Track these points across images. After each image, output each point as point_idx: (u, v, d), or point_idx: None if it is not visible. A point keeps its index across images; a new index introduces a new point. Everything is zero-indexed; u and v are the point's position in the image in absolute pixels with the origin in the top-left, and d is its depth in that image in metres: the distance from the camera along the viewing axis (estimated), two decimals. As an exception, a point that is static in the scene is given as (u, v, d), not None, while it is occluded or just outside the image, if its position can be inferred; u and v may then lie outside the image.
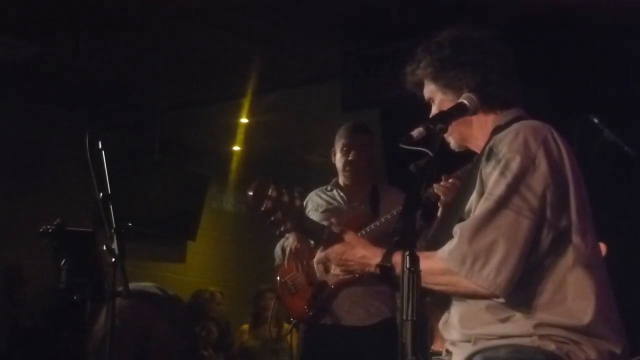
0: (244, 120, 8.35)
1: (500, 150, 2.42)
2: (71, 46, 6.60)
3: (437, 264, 2.40)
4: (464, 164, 3.76)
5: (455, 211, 2.56)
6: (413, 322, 2.04)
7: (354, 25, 6.14)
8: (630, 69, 5.06)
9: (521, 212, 2.35)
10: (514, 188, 2.36)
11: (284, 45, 6.49)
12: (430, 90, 2.69)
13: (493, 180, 2.40)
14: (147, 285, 4.26)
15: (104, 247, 3.25)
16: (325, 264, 4.40)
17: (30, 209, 7.18)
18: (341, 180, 4.77)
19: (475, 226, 2.37)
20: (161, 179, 8.46)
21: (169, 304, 4.16)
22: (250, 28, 6.20)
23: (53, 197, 7.52)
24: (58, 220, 3.78)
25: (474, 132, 2.64)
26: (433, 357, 3.12)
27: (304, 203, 4.31)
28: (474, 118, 2.60)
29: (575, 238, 2.41)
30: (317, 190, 4.83)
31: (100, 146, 3.31)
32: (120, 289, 3.34)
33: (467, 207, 2.48)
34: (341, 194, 4.75)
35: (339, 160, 4.73)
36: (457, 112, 2.49)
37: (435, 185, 3.42)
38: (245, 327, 8.03)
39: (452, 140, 2.70)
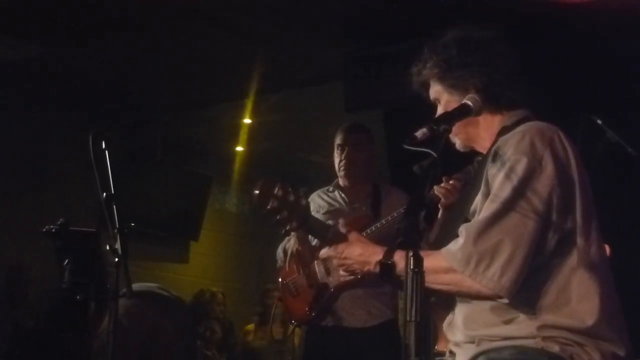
0: (246, 120, 8.35)
1: (506, 151, 2.42)
2: (73, 46, 6.60)
3: (441, 263, 2.39)
4: (464, 165, 3.77)
5: (460, 212, 2.56)
6: (417, 324, 2.03)
7: (356, 25, 6.13)
8: (634, 69, 5.06)
9: (527, 214, 2.34)
10: (520, 190, 2.36)
11: (287, 46, 6.48)
12: (436, 90, 2.69)
13: (499, 182, 2.40)
14: (151, 285, 4.27)
15: (107, 247, 3.25)
16: (326, 265, 4.42)
17: (32, 209, 7.18)
18: (340, 181, 4.77)
19: (480, 227, 2.37)
20: (164, 179, 8.46)
21: (173, 304, 4.16)
22: (252, 28, 6.20)
23: (55, 197, 7.52)
24: (61, 220, 3.78)
25: (481, 132, 2.64)
26: (437, 358, 3.12)
27: (307, 204, 4.31)
28: (481, 118, 2.60)
29: (580, 240, 2.41)
30: (319, 192, 4.83)
31: (103, 146, 3.31)
32: (123, 289, 3.35)
33: (472, 208, 2.48)
34: (342, 195, 4.74)
35: (335, 159, 4.74)
36: (461, 113, 2.50)
37: (435, 187, 3.43)
38: (251, 327, 8.03)
39: (458, 140, 2.69)
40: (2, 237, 7.21)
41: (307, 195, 2.88)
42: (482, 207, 2.41)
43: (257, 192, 2.79)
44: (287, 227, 2.83)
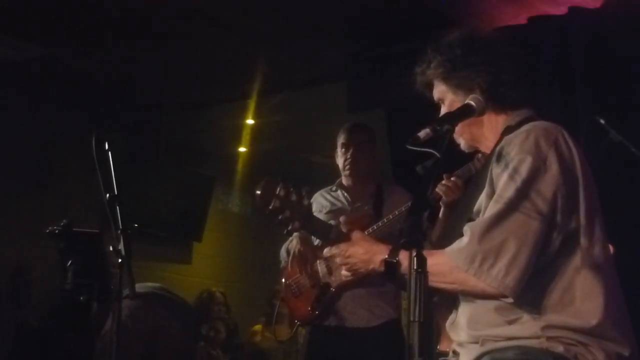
0: (249, 121, 8.35)
1: (510, 151, 2.42)
2: (76, 47, 6.60)
3: (446, 262, 2.40)
4: (465, 163, 3.78)
5: (464, 211, 2.56)
6: (420, 324, 2.03)
7: (359, 26, 6.13)
8: (637, 69, 5.05)
9: (531, 214, 2.34)
10: (524, 190, 2.36)
11: (289, 46, 6.48)
12: (440, 90, 2.69)
13: (503, 182, 2.40)
14: (154, 286, 4.27)
15: (110, 248, 3.25)
16: (328, 264, 4.41)
17: (35, 210, 7.19)
18: (344, 180, 4.77)
19: (485, 226, 2.37)
20: (166, 180, 8.46)
21: (176, 305, 4.17)
22: (255, 29, 6.19)
23: (57, 198, 7.52)
24: (65, 221, 3.78)
25: (485, 132, 2.64)
26: (440, 358, 3.12)
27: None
28: (485, 118, 2.60)
29: (584, 240, 2.41)
30: (322, 191, 4.84)
31: (107, 147, 3.31)
32: (126, 290, 3.35)
33: (476, 208, 2.48)
34: (345, 194, 4.74)
35: (339, 160, 4.75)
36: (464, 113, 2.50)
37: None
38: (258, 327, 8.02)
39: (462, 141, 2.70)
40: (5, 238, 7.22)
41: (309, 195, 2.88)
42: (487, 207, 2.41)
43: (259, 192, 2.80)
44: (290, 227, 2.83)
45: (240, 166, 9.53)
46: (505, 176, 2.40)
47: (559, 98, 5.22)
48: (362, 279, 4.20)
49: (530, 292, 2.37)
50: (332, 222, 3.26)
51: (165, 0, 5.78)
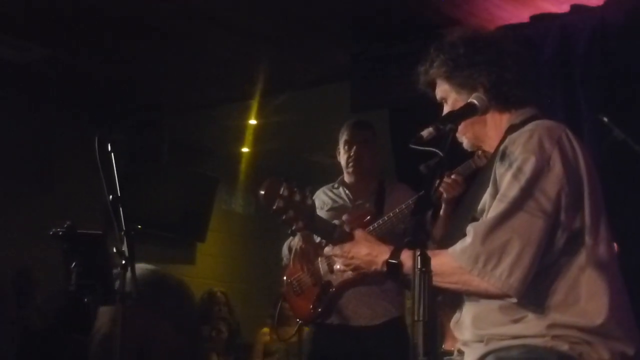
0: (252, 121, 8.36)
1: (514, 150, 2.42)
2: (79, 48, 6.60)
3: (449, 262, 2.39)
4: (465, 160, 3.78)
5: (468, 210, 2.56)
6: (425, 323, 2.03)
7: (362, 26, 6.13)
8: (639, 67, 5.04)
9: (535, 214, 2.34)
10: (528, 190, 2.36)
11: (292, 47, 6.48)
12: (443, 89, 2.68)
13: (507, 181, 2.40)
14: (145, 272, 4.22)
15: (114, 250, 3.25)
16: (330, 262, 4.40)
17: (38, 211, 7.19)
18: (346, 177, 4.76)
19: (489, 226, 2.37)
20: (170, 181, 8.47)
21: (171, 298, 4.13)
22: (258, 29, 6.19)
23: (59, 200, 7.53)
24: (68, 222, 3.78)
25: (488, 131, 2.64)
26: (445, 357, 3.12)
27: (311, 201, 4.30)
28: (488, 117, 2.60)
29: (589, 238, 2.41)
30: (323, 188, 4.83)
31: (109, 148, 3.30)
32: (130, 291, 3.34)
33: (480, 207, 2.48)
34: (347, 191, 4.73)
35: (342, 157, 4.74)
36: (467, 112, 2.50)
37: None
38: (266, 329, 8.01)
39: (465, 140, 2.69)
40: (8, 240, 7.22)
41: (312, 195, 2.88)
42: (491, 207, 2.41)
43: (263, 192, 2.80)
44: (294, 227, 2.83)
45: (243, 166, 9.53)
46: (509, 175, 2.39)
47: (561, 96, 5.21)
48: (364, 278, 4.21)
49: (535, 291, 2.37)
50: (336, 221, 3.26)
51: (168, 2, 5.78)
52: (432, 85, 2.72)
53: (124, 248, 3.19)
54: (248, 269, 9.76)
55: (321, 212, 4.58)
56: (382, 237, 3.41)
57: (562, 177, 2.38)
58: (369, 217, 4.35)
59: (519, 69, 2.61)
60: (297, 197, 2.78)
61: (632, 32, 5.07)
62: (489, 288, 2.35)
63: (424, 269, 2.05)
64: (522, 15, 5.58)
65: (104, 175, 3.27)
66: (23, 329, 6.66)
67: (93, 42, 6.47)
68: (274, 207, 2.76)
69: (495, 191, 2.42)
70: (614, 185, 4.75)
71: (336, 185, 4.80)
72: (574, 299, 2.38)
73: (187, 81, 7.29)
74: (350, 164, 4.69)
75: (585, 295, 2.38)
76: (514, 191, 2.37)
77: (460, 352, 2.60)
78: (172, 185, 8.45)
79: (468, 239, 2.39)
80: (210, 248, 9.39)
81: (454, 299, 2.59)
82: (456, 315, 2.60)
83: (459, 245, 2.40)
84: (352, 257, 2.69)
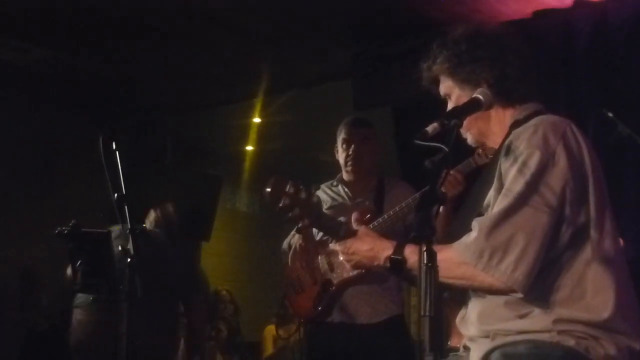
0: (256, 120, 8.36)
1: (519, 145, 2.41)
2: (79, 48, 6.61)
3: (454, 257, 2.39)
4: (466, 157, 3.78)
5: (473, 206, 2.55)
6: (431, 319, 2.03)
7: (363, 24, 6.14)
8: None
9: (540, 209, 2.34)
10: (533, 184, 2.35)
11: (295, 46, 6.49)
12: (447, 86, 2.68)
13: (512, 176, 2.39)
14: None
15: (119, 248, 3.25)
16: (330, 261, 4.39)
17: (38, 211, 7.20)
18: (345, 175, 4.73)
19: (493, 221, 2.36)
20: (174, 180, 8.44)
21: (157, 288, 4.09)
22: (261, 29, 6.20)
23: (60, 200, 7.53)
24: (73, 222, 3.78)
25: (492, 126, 2.64)
26: (450, 353, 3.11)
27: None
28: (492, 113, 2.60)
29: (594, 233, 2.40)
30: (323, 186, 4.80)
31: (114, 147, 3.31)
32: (135, 290, 3.34)
33: (485, 202, 2.47)
34: (346, 189, 4.70)
35: (340, 155, 4.71)
36: (471, 107, 2.49)
37: None
38: (272, 327, 8.02)
39: (469, 136, 2.69)
40: (12, 240, 7.23)
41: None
42: (495, 202, 2.41)
43: (268, 190, 2.80)
44: (300, 225, 2.84)
45: (247, 165, 9.54)
46: (513, 170, 2.39)
47: (564, 91, 5.22)
48: (364, 276, 4.20)
49: (541, 286, 2.37)
50: (342, 218, 3.27)
51: (171, 2, 5.79)
52: (436, 82, 2.72)
53: (129, 247, 3.19)
54: (253, 268, 9.78)
55: (320, 211, 4.58)
56: (383, 234, 3.41)
57: (567, 171, 2.38)
58: (369, 216, 4.34)
59: (522, 64, 2.60)
60: (303, 195, 2.78)
61: (634, 26, 5.06)
62: (494, 283, 2.35)
63: (430, 264, 2.05)
64: (525, 11, 5.59)
65: (109, 174, 3.28)
66: (28, 330, 6.67)
67: (93, 42, 6.48)
68: (280, 205, 2.76)
69: (501, 186, 2.42)
70: (619, 180, 4.76)
71: (335, 184, 4.77)
72: (580, 293, 2.37)
73: (190, 81, 7.31)
74: (349, 163, 4.66)
75: (591, 290, 2.37)
76: (518, 186, 2.36)
77: (466, 348, 2.59)
78: (176, 185, 8.43)
79: (473, 234, 2.38)
80: (215, 247, 9.39)
81: (460, 296, 2.58)
82: (462, 312, 2.60)
83: (464, 240, 2.40)
84: (353, 253, 2.69)
